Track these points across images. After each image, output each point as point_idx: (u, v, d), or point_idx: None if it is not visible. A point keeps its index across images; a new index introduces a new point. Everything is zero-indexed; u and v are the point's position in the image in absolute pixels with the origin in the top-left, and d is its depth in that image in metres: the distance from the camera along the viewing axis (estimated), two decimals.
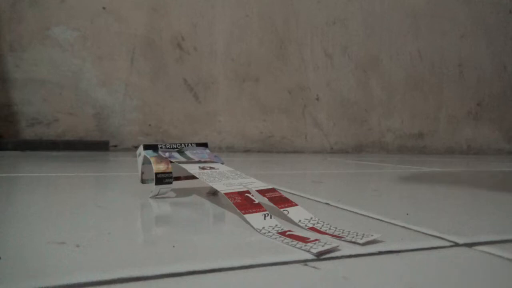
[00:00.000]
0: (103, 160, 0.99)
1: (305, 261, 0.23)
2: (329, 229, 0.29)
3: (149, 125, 1.49)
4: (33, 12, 1.33)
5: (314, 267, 0.22)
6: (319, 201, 0.44)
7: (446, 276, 0.22)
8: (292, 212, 0.32)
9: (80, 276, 0.19)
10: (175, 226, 0.32)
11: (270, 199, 0.34)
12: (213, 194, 0.46)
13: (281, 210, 0.32)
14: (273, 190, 0.36)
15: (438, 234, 0.30)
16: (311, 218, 0.31)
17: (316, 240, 0.26)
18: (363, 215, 0.37)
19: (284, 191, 0.51)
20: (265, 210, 0.31)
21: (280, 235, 0.27)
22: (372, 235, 0.27)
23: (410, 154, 1.86)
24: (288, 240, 0.26)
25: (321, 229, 0.29)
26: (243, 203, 0.32)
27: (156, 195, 0.42)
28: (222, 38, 1.60)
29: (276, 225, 0.29)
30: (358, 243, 0.26)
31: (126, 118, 1.45)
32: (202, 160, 0.44)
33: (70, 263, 0.22)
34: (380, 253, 0.25)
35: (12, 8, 1.31)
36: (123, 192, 0.47)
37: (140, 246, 0.26)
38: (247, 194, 0.33)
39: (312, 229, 0.29)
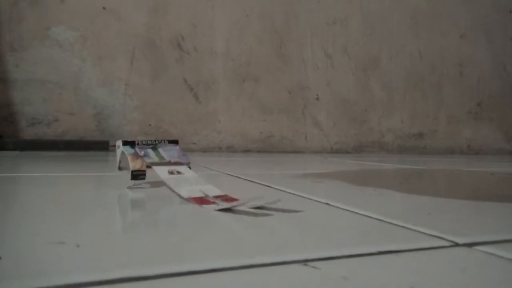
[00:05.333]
0: (103, 160, 0.99)
1: (305, 261, 0.23)
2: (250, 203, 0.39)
3: (149, 125, 1.49)
4: (33, 12, 1.33)
5: (314, 267, 0.22)
6: (319, 201, 0.44)
7: (446, 276, 0.22)
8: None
9: (80, 276, 0.19)
10: (174, 226, 0.32)
11: (223, 200, 0.42)
12: None
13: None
14: (226, 196, 0.43)
15: (438, 234, 0.30)
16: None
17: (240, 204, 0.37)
18: (363, 215, 0.37)
19: (284, 191, 0.51)
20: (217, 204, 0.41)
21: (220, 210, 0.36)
22: (261, 198, 0.38)
23: (410, 154, 1.86)
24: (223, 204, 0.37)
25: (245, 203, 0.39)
26: (201, 202, 0.41)
27: (132, 186, 0.51)
28: (222, 38, 1.60)
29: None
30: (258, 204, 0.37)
31: (126, 118, 1.45)
32: (172, 160, 0.51)
33: (70, 263, 0.22)
34: (380, 253, 0.25)
35: (12, 8, 1.31)
36: (123, 192, 0.47)
37: (140, 245, 0.26)
38: (205, 198, 0.42)
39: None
